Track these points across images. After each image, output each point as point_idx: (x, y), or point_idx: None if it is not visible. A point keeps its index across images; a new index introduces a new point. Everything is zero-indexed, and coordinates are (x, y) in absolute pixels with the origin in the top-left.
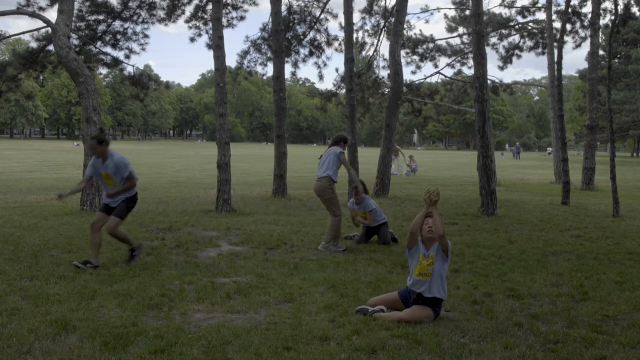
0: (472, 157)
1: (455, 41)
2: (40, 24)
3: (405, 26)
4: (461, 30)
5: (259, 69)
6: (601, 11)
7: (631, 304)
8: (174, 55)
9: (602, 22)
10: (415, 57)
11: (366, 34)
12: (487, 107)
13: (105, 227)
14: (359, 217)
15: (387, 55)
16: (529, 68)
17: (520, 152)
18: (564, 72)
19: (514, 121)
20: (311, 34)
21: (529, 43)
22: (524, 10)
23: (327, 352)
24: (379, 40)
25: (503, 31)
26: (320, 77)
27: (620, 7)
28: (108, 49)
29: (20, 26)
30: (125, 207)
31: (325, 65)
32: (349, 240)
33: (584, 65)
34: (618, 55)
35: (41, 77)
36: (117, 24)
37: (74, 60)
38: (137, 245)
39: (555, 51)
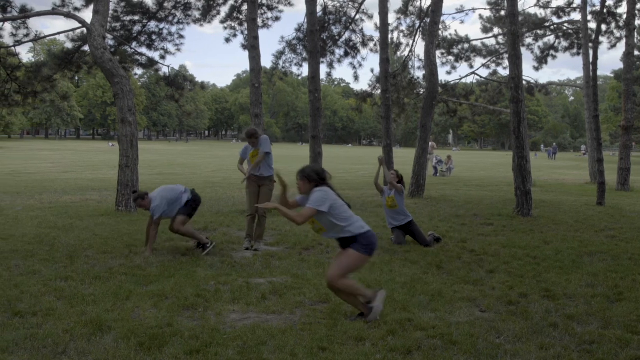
0: (508, 158)
1: (491, 42)
2: (75, 24)
3: (440, 27)
4: (496, 30)
5: (294, 69)
6: (637, 12)
7: None
8: (210, 56)
9: (637, 22)
10: (451, 58)
11: (401, 34)
12: (522, 108)
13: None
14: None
15: (422, 56)
16: (564, 68)
17: (556, 152)
18: (599, 73)
19: (549, 122)
20: (346, 35)
21: (564, 44)
22: (559, 11)
23: (363, 352)
24: (414, 40)
25: (538, 32)
26: (356, 78)
27: None
28: (143, 50)
29: (56, 26)
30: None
31: (360, 65)
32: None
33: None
34: None
35: (76, 78)
36: (152, 25)
37: (109, 61)
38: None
39: (591, 52)
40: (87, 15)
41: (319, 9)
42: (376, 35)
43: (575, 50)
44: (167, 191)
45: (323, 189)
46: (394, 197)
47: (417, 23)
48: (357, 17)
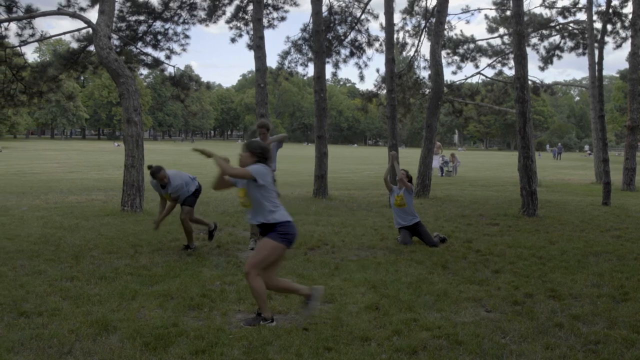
0: (513, 158)
1: (496, 42)
2: (81, 24)
3: (446, 27)
4: (502, 30)
5: (299, 69)
6: None
7: None
8: (216, 56)
9: None
10: (456, 58)
11: (407, 34)
12: (528, 108)
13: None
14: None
15: (428, 56)
16: (570, 68)
17: (561, 152)
18: (604, 73)
19: (554, 122)
20: (352, 35)
21: (570, 44)
22: (564, 11)
23: (368, 352)
24: (419, 40)
25: (544, 32)
26: (361, 78)
27: None
28: (149, 50)
29: (62, 26)
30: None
31: (366, 65)
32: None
33: (625, 65)
34: None
35: (82, 78)
36: (157, 25)
37: (115, 61)
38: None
39: (596, 52)
40: (93, 15)
41: (324, 9)
42: (382, 35)
43: (580, 50)
44: (181, 173)
45: (265, 166)
46: (403, 196)
47: (423, 23)
48: (363, 17)
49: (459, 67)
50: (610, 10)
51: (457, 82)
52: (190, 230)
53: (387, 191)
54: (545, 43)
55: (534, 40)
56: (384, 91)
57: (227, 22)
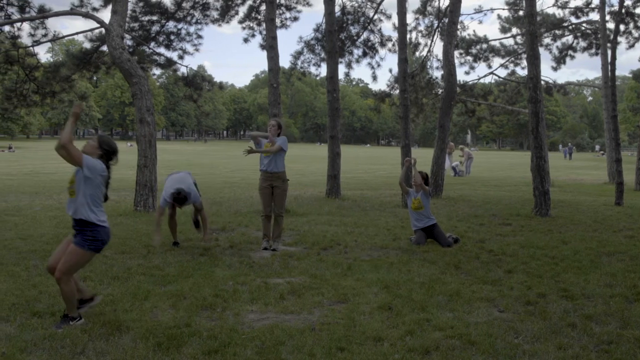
0: (526, 158)
1: (509, 42)
2: (94, 24)
3: (458, 27)
4: (515, 30)
5: (312, 69)
6: None
7: None
8: (228, 56)
9: None
10: (469, 58)
11: (420, 34)
12: (540, 108)
13: None
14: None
15: (440, 56)
16: (583, 69)
17: (572, 152)
18: (617, 73)
19: (567, 122)
20: (365, 35)
21: (583, 44)
22: (577, 11)
23: (381, 352)
24: (432, 40)
25: (556, 32)
26: (374, 78)
27: None
28: (161, 50)
29: (75, 26)
30: None
31: (378, 65)
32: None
33: (638, 65)
34: None
35: (95, 78)
36: (170, 25)
37: (128, 61)
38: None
39: (609, 52)
40: (106, 15)
41: (337, 9)
42: (394, 35)
43: (593, 51)
44: (185, 177)
45: (102, 165)
46: (420, 199)
47: (436, 23)
48: (376, 17)
49: (472, 67)
50: (623, 11)
51: (470, 82)
52: (205, 220)
53: (399, 191)
54: (558, 43)
55: (547, 40)
56: (397, 91)
57: (240, 22)
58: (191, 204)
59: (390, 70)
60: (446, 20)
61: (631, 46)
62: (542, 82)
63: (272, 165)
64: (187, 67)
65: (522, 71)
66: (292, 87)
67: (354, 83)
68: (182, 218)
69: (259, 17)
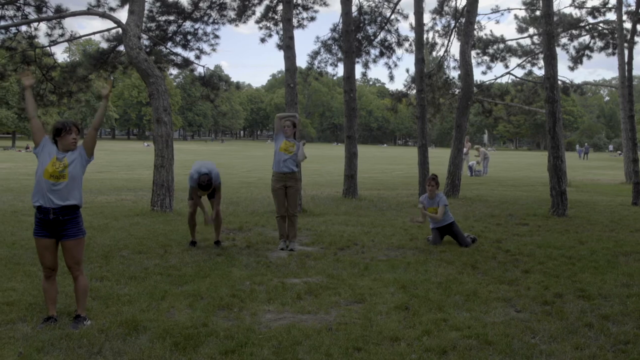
0: (543, 158)
1: (526, 42)
2: (111, 24)
3: (475, 27)
4: (532, 30)
5: (329, 69)
6: None
7: None
8: (245, 56)
9: None
10: (486, 58)
11: (437, 34)
12: (557, 108)
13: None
14: (428, 213)
15: (457, 56)
16: (600, 68)
17: (588, 152)
18: (634, 73)
19: (584, 122)
20: (382, 35)
21: (600, 44)
22: (594, 11)
23: (398, 352)
24: (449, 40)
25: (573, 32)
26: (391, 78)
27: None
28: (178, 50)
29: (92, 26)
30: None
31: (395, 65)
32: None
33: None
34: None
35: (112, 78)
36: (187, 25)
37: (145, 61)
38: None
39: (626, 52)
40: (123, 15)
41: (354, 9)
42: (411, 35)
43: (610, 50)
44: (208, 162)
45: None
46: (436, 208)
47: (452, 23)
48: (392, 17)
49: (489, 67)
50: None
51: (487, 82)
52: (203, 205)
53: (416, 191)
54: (575, 43)
55: (564, 40)
56: (414, 91)
57: (257, 22)
58: (208, 205)
59: (407, 70)
60: (463, 20)
61: None
62: (559, 82)
63: (286, 166)
64: (204, 67)
65: (539, 71)
66: (309, 87)
67: (370, 83)
68: (200, 218)
69: (276, 17)
